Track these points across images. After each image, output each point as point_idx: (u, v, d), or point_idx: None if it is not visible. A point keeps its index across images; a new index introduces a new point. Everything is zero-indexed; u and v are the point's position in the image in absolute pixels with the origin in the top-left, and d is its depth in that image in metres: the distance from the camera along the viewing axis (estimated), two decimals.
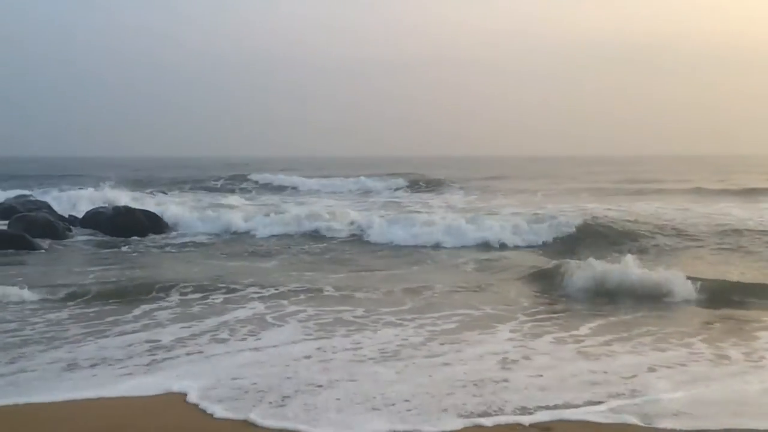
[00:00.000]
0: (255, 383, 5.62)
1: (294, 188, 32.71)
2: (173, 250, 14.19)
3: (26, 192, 24.05)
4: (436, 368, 6.25)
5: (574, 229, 13.98)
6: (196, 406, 5.17)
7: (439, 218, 15.66)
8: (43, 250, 13.55)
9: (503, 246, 13.53)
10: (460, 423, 4.85)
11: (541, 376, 5.93)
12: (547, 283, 9.91)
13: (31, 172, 49.68)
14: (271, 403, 5.19)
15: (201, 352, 6.73)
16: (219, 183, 35.36)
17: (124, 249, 14.19)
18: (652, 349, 6.98)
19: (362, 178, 34.26)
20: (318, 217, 15.94)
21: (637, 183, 34.29)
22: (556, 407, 5.15)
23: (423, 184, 33.52)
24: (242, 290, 9.59)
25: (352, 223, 14.89)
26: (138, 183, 32.93)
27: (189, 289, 9.55)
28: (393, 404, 5.19)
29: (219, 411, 5.05)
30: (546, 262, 10.88)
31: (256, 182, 34.54)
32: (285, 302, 8.95)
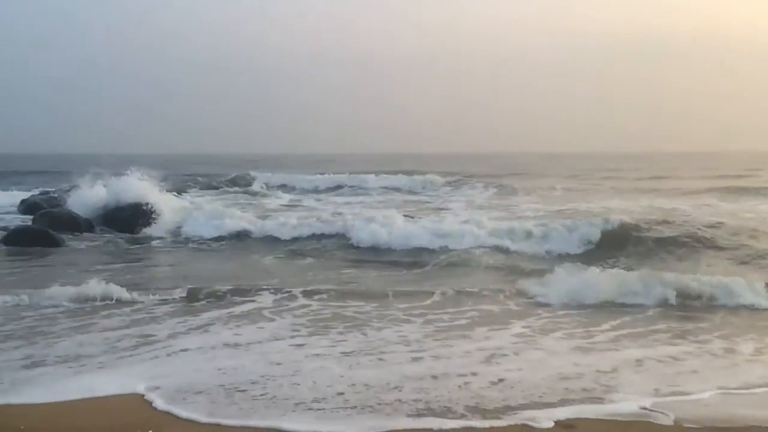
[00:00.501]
0: (197, 381, 5.50)
1: (315, 187, 31.97)
2: (197, 248, 13.82)
3: (50, 189, 24.19)
4: (403, 365, 5.96)
5: (610, 229, 12.92)
6: (137, 402, 5.08)
7: (471, 219, 15.05)
8: (66, 247, 13.52)
9: (540, 247, 12.68)
10: (389, 421, 4.71)
11: (521, 370, 5.80)
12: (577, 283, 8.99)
13: (34, 168, 49.92)
14: (199, 400, 5.11)
15: (170, 347, 6.48)
16: (240, 179, 35.16)
17: (151, 245, 14.07)
18: (665, 344, 6.66)
19: (384, 175, 33.70)
20: (351, 217, 15.10)
21: (659, 180, 33.56)
22: (509, 409, 4.95)
23: (440, 180, 33.20)
24: (258, 287, 9.22)
25: (381, 223, 13.95)
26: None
27: (205, 286, 9.19)
28: (324, 399, 5.10)
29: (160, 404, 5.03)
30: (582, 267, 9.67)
31: (279, 182, 33.89)
32: (296, 297, 8.64)
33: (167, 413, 4.86)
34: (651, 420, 4.78)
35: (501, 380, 5.59)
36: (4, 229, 14.99)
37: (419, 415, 4.85)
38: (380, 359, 6.18)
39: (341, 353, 6.34)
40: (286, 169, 45.70)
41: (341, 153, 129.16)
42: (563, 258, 11.63)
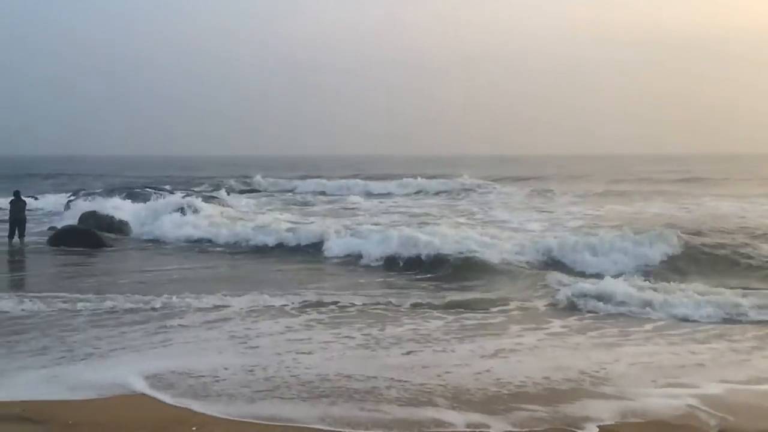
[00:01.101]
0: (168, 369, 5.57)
1: (348, 191, 30.11)
2: (251, 252, 12.97)
3: (96, 190, 24.25)
4: (396, 357, 5.88)
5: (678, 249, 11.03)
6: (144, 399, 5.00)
7: (519, 225, 14.89)
8: (111, 248, 13.40)
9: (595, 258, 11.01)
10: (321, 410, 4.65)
11: (521, 362, 5.73)
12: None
13: (73, 171, 50.60)
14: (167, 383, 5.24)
15: (170, 340, 6.46)
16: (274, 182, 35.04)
17: (189, 250, 13.35)
18: (695, 342, 6.47)
19: (420, 179, 32.61)
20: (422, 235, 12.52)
21: (695, 182, 32.28)
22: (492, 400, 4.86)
23: (478, 184, 31.40)
24: (301, 288, 9.02)
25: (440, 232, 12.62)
26: (184, 183, 33.36)
27: (245, 286, 9.06)
28: (289, 387, 5.12)
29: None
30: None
31: (314, 188, 32.27)
32: (334, 296, 8.42)
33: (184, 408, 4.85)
34: (693, 424, 4.50)
35: (487, 373, 5.48)
36: (51, 229, 15.18)
37: (390, 402, 4.79)
38: (374, 351, 6.04)
39: (340, 346, 6.23)
40: (318, 171, 45.59)
41: (372, 155, 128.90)
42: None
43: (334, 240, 12.86)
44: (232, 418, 4.57)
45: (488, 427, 4.44)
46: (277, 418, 4.55)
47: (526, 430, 4.41)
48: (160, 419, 4.55)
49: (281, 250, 13.05)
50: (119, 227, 15.47)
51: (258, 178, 36.93)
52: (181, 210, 16.48)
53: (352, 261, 11.87)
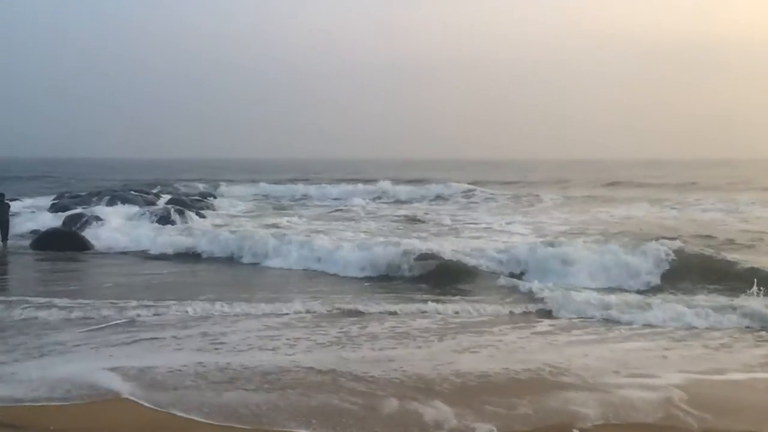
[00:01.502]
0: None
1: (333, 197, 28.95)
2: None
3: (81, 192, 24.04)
4: (352, 353, 5.96)
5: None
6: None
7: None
8: (94, 251, 13.21)
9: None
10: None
11: (492, 356, 5.86)
12: None
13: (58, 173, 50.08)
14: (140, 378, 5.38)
15: (137, 336, 6.57)
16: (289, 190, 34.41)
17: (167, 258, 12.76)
18: (673, 340, 6.60)
19: (406, 184, 32.22)
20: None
21: (685, 188, 31.34)
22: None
23: (462, 188, 31.31)
24: (293, 292, 9.04)
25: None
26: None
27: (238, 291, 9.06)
28: (253, 380, 5.30)
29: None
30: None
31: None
32: (332, 300, 8.35)
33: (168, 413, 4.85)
34: (674, 423, 4.50)
35: (449, 364, 5.61)
36: (34, 232, 15.02)
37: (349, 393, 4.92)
38: (342, 347, 6.15)
39: (310, 343, 6.33)
40: (312, 174, 45.04)
41: (363, 158, 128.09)
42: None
43: (323, 247, 12.50)
44: (214, 423, 4.54)
45: (458, 417, 4.54)
46: (246, 416, 4.60)
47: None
48: (143, 424, 4.51)
49: (269, 256, 12.76)
50: (97, 232, 15.16)
51: (252, 182, 36.69)
52: (167, 216, 16.36)
53: (340, 267, 11.67)
